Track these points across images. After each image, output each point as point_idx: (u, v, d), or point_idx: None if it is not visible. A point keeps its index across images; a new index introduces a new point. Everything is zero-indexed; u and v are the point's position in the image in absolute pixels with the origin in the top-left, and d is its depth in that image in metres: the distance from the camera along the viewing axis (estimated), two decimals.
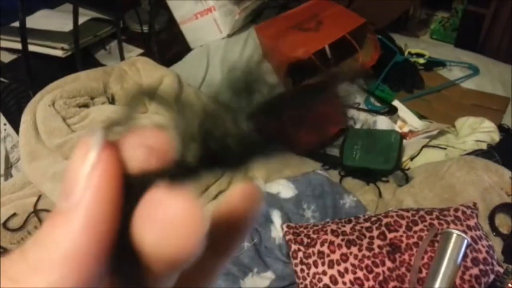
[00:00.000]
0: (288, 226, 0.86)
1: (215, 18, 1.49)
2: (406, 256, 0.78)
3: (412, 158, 1.12)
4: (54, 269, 0.12)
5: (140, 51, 1.59)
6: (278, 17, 1.44)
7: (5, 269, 0.12)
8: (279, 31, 1.35)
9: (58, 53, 1.39)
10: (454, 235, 0.76)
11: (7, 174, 1.01)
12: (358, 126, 1.24)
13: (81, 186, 0.12)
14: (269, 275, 0.84)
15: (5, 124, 1.02)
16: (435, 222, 0.82)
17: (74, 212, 0.12)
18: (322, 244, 0.81)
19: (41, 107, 1.01)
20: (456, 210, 0.85)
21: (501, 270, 0.76)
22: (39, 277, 0.12)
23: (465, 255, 0.77)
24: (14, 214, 0.93)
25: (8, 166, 1.01)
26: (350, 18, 1.28)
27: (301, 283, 0.80)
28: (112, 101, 1.13)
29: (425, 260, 0.77)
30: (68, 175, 0.13)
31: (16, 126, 1.01)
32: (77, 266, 0.12)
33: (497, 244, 0.90)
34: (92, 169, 0.12)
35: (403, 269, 0.77)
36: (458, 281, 0.74)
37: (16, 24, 1.14)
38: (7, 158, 1.01)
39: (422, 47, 1.53)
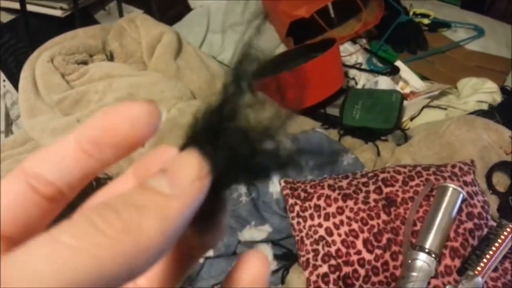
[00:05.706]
0: (285, 181, 0.86)
1: None
2: (401, 210, 0.79)
3: (412, 118, 1.12)
4: (146, 232, 0.13)
5: (140, 11, 1.56)
6: None
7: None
8: None
9: (57, 12, 1.37)
10: (450, 189, 0.76)
11: (8, 131, 1.01)
12: (359, 86, 1.23)
13: (187, 183, 0.15)
14: (267, 228, 0.85)
15: (4, 81, 1.02)
16: (432, 177, 0.82)
17: (176, 199, 0.14)
18: (318, 198, 0.82)
19: (40, 63, 1.00)
20: (453, 166, 0.85)
21: (495, 224, 0.77)
22: (131, 237, 0.13)
23: (461, 210, 0.78)
24: None
25: (9, 123, 1.02)
26: None
27: (297, 235, 0.81)
28: (111, 58, 1.12)
29: (420, 213, 0.78)
30: (175, 164, 0.15)
31: (15, 82, 1.01)
32: (165, 236, 0.14)
33: (493, 202, 0.90)
34: (200, 178, 0.15)
35: (398, 222, 0.78)
36: (452, 234, 0.75)
37: None
38: (7, 115, 1.01)
39: (427, 7, 1.49)
